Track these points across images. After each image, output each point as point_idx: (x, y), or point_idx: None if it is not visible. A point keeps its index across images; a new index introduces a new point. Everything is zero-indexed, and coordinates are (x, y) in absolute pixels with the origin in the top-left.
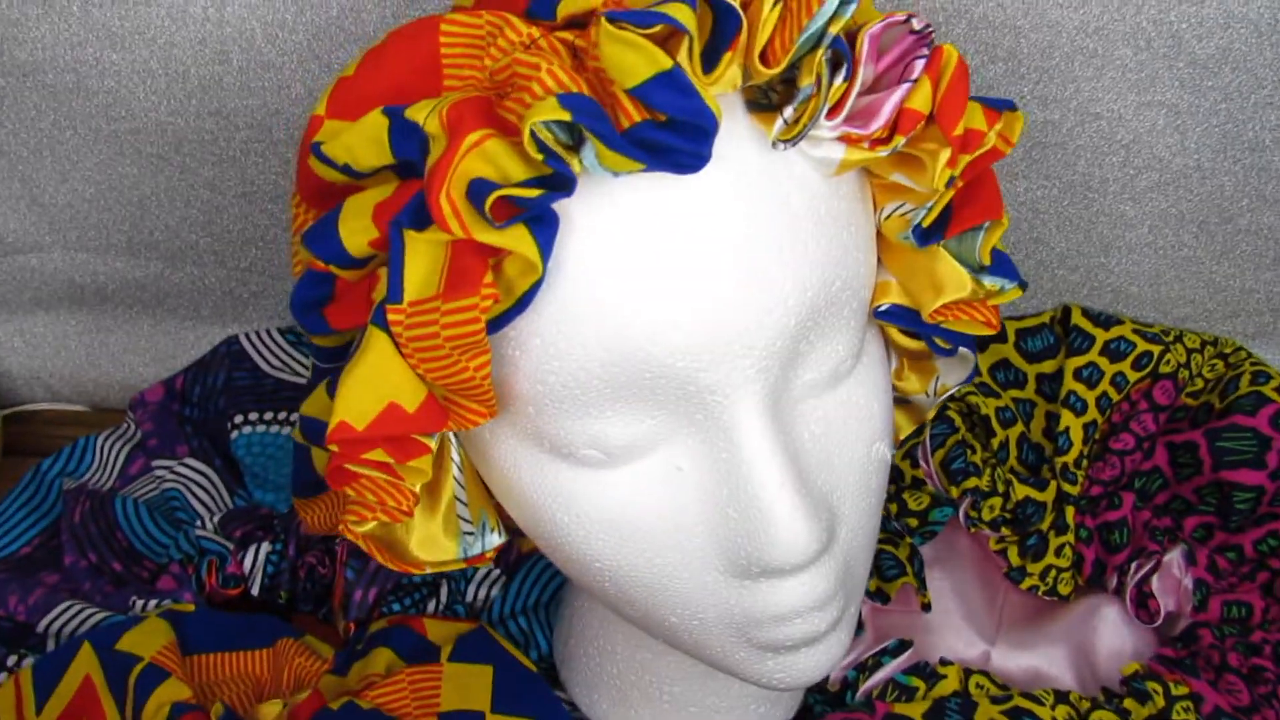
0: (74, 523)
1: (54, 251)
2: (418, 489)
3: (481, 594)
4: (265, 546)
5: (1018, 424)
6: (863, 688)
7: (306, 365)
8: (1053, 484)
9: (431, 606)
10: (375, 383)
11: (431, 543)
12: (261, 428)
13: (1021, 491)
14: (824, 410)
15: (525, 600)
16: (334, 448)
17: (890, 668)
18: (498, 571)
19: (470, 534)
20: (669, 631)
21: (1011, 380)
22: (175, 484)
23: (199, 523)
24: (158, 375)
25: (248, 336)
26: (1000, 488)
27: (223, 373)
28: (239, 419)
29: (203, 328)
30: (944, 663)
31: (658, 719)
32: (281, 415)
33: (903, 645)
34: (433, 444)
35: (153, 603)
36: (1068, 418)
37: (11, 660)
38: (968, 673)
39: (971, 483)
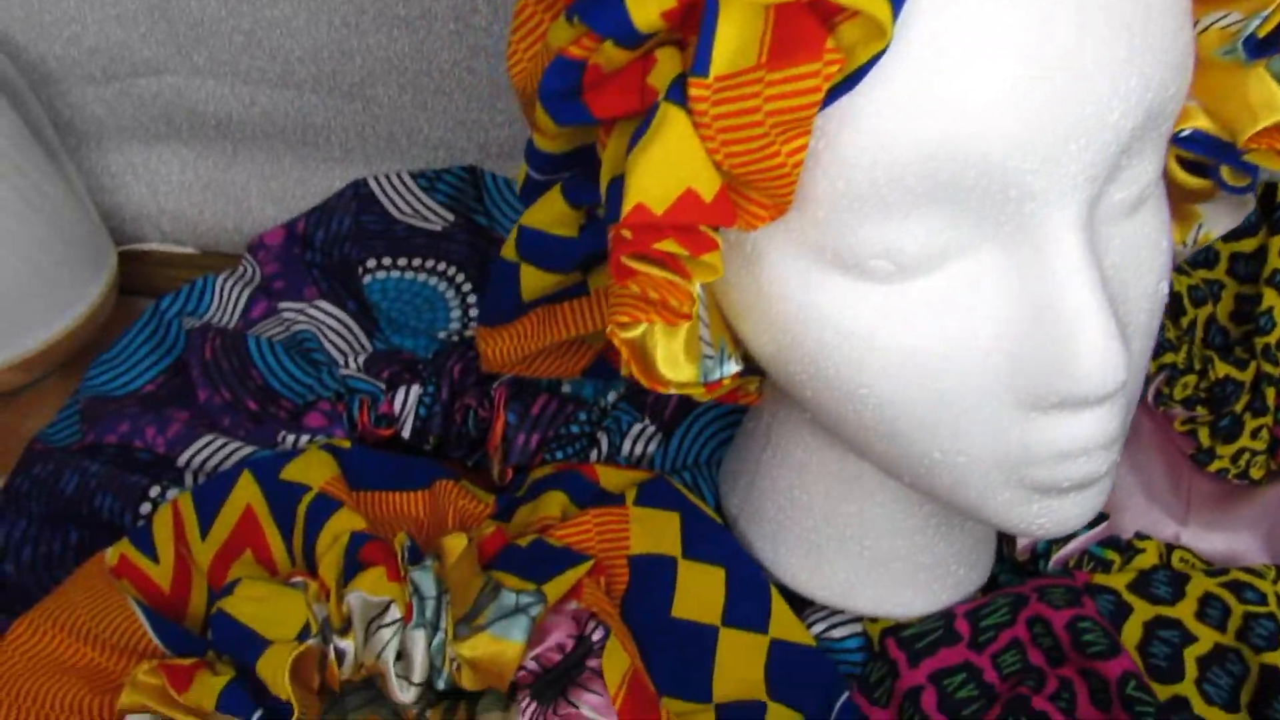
0: (205, 359)
1: (178, 74)
2: (697, 290)
3: (639, 449)
4: (416, 389)
5: (1207, 304)
6: (1056, 557)
7: (438, 213)
8: (1253, 364)
9: (593, 457)
10: (672, 164)
11: (674, 362)
12: (395, 273)
13: (1222, 370)
14: (1123, 238)
15: (685, 458)
16: (627, 233)
17: (1085, 538)
18: (653, 428)
19: (710, 358)
20: (925, 469)
21: (1201, 260)
22: (307, 326)
23: (345, 362)
24: (275, 218)
25: (376, 180)
26: (1197, 365)
27: (348, 217)
28: (371, 263)
29: (324, 168)
30: (1140, 537)
31: (854, 575)
32: (416, 262)
33: (1099, 516)
34: (720, 240)
35: (304, 438)
36: (1270, 297)
37: (154, 491)
38: (1169, 547)
39: (1168, 358)
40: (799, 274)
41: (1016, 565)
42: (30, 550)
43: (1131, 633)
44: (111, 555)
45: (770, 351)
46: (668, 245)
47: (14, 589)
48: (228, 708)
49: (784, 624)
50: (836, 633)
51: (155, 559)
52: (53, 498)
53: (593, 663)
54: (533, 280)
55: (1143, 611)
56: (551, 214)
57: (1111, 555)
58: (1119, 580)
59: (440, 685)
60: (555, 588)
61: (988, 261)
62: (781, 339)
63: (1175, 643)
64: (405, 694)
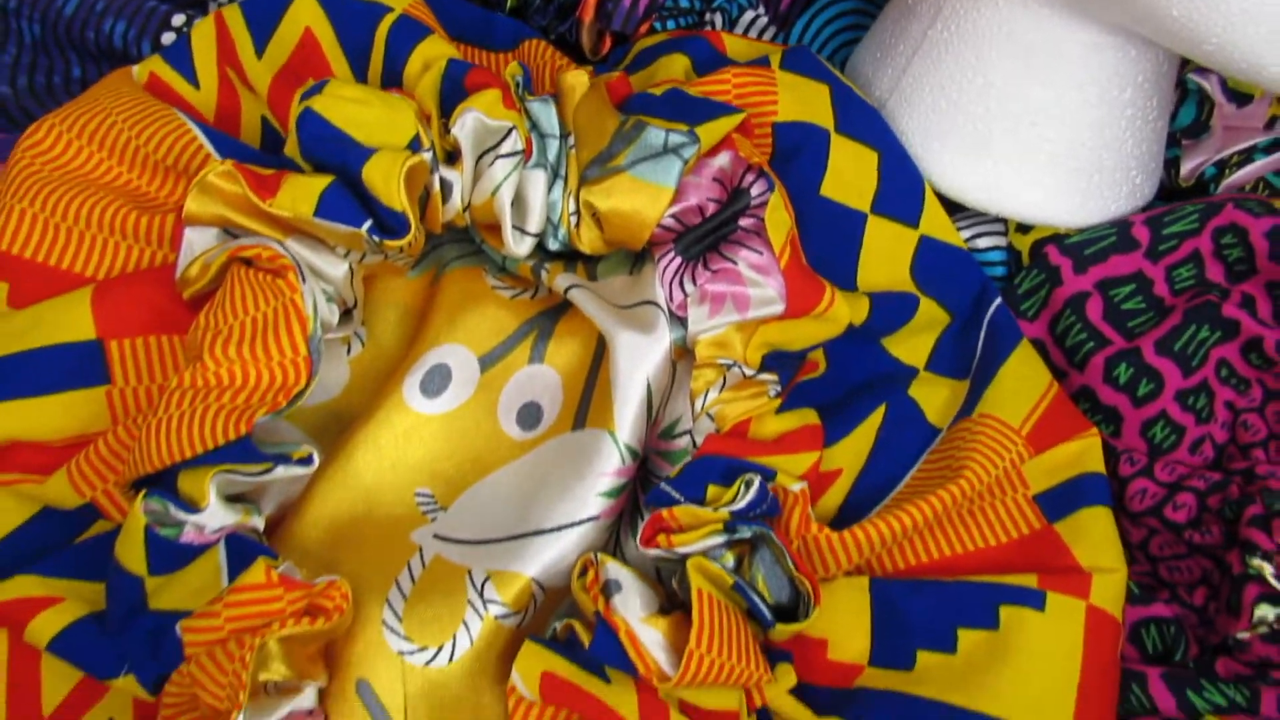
0: None
1: None
2: None
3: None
4: None
5: None
6: (1227, 182)
7: None
8: None
9: None
10: None
11: None
12: None
13: None
14: None
15: None
16: None
17: (1262, 164)
18: (766, 18)
19: None
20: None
21: None
22: None
23: None
24: None
25: None
26: None
27: None
28: None
29: None
30: None
31: (1022, 174)
32: None
33: (1277, 141)
34: None
35: None
36: None
37: (178, 20)
38: None
39: None
40: None
41: (1178, 193)
42: (25, 79)
43: None
44: (140, 72)
45: None
46: None
47: (15, 109)
48: (332, 212)
49: (935, 221)
50: (981, 242)
51: (194, 82)
52: (49, 18)
53: (746, 221)
54: None
55: None
56: None
57: None
58: None
59: (553, 246)
60: (708, 133)
61: None
62: None
63: None
64: (520, 245)
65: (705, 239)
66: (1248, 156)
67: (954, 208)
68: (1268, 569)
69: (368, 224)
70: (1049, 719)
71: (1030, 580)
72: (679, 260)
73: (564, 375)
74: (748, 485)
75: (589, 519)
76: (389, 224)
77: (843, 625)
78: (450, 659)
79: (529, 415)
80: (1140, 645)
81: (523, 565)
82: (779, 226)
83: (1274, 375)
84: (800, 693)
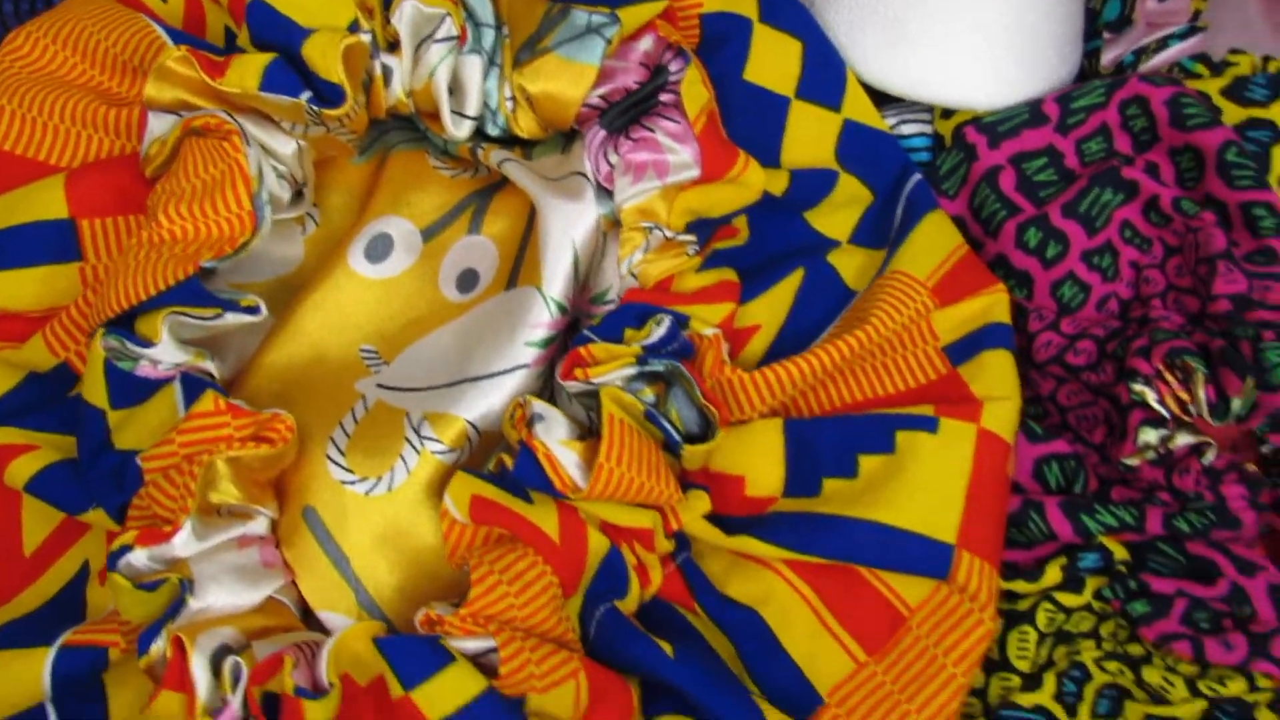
0: None
1: None
2: None
3: None
4: None
5: None
6: (1144, 67)
7: None
8: None
9: None
10: None
11: None
12: None
13: None
14: None
15: None
16: None
17: (1177, 49)
18: None
19: None
20: None
21: None
22: None
23: None
24: None
25: None
26: None
27: None
28: None
29: None
30: (1235, 52)
31: (939, 58)
32: None
33: (1195, 29)
34: None
35: None
36: None
37: None
38: (1265, 58)
39: None
40: None
41: (1104, 73)
42: (11, 5)
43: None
44: None
45: None
46: None
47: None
48: (275, 85)
49: (858, 106)
50: (906, 129)
51: None
52: None
53: (665, 96)
54: None
55: (1233, 115)
56: None
57: (1202, 69)
58: (1212, 85)
59: (492, 131)
60: (631, 16)
61: None
62: None
63: (1264, 142)
64: (459, 129)
65: (627, 113)
66: (1164, 43)
67: (881, 99)
68: (1149, 394)
69: (306, 95)
70: (938, 525)
71: (927, 410)
72: (603, 134)
73: (499, 244)
74: (659, 323)
75: (520, 366)
76: (326, 95)
77: (759, 463)
78: (389, 488)
79: (467, 280)
80: (1042, 480)
81: (459, 409)
82: (695, 99)
83: (1173, 232)
84: (717, 522)
